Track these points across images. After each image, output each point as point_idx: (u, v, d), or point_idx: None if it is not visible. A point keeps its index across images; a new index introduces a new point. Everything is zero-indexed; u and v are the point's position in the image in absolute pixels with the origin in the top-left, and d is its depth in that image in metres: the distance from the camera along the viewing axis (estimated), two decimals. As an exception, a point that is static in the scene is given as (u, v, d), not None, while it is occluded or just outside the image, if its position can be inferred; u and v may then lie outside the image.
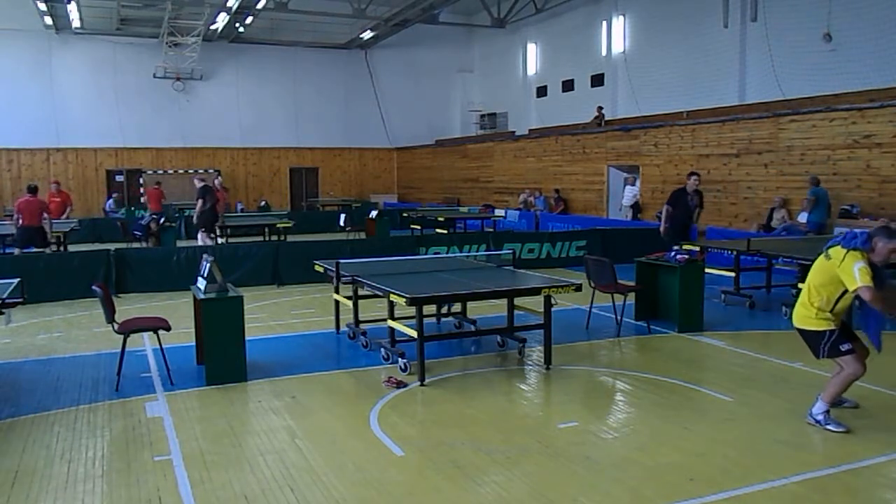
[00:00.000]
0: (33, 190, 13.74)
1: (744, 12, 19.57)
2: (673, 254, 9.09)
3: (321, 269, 8.65)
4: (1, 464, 5.03)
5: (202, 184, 16.27)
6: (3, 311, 6.66)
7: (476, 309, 9.15)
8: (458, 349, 8.22)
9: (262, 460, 5.03)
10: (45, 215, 13.53)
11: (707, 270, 9.39)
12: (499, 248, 13.36)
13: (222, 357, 6.79)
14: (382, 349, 7.62)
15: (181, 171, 29.86)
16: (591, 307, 9.25)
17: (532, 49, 29.84)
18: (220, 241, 16.42)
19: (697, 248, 10.25)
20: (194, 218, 16.38)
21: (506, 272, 8.60)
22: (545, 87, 29.01)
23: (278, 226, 17.94)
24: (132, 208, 25.95)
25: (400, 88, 33.46)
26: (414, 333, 6.87)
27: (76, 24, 26.65)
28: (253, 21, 27.55)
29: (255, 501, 4.42)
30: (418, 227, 19.77)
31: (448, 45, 33.46)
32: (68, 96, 28.49)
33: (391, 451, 5.18)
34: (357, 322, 8.44)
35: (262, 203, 29.36)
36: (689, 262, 8.88)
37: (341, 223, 21.09)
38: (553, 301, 7.34)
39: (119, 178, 29.75)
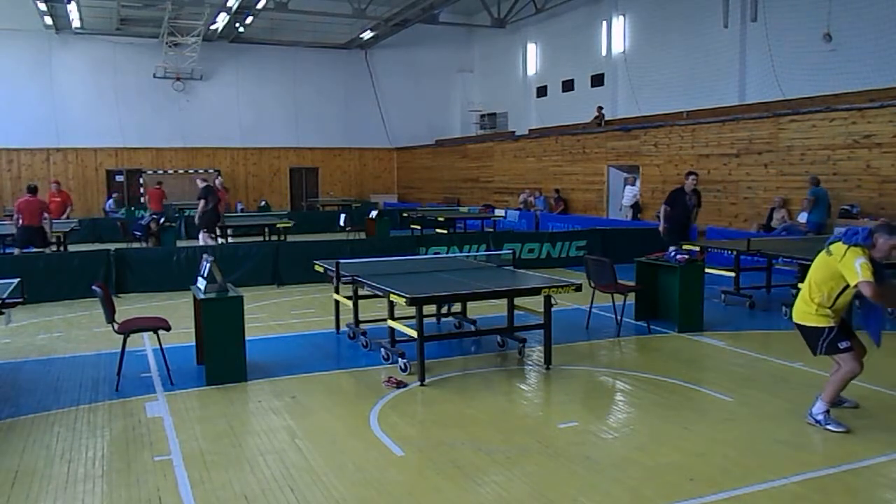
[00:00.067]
0: (33, 190, 13.75)
1: (744, 12, 19.55)
2: (673, 254, 9.09)
3: (321, 269, 8.66)
4: (1, 464, 5.03)
5: (204, 184, 16.23)
6: (3, 311, 6.66)
7: (476, 309, 9.15)
8: (458, 349, 8.22)
9: (262, 460, 5.03)
10: (46, 215, 13.53)
11: (707, 270, 9.39)
12: (499, 248, 13.36)
13: (222, 357, 6.80)
14: (382, 349, 7.62)
15: (181, 171, 29.88)
16: (591, 307, 9.25)
17: (532, 49, 29.82)
18: (220, 241, 16.41)
19: (697, 248, 10.27)
20: (196, 218, 16.37)
21: (506, 272, 8.60)
22: (545, 87, 28.99)
23: (278, 226, 17.94)
24: (132, 208, 25.96)
25: (400, 88, 33.46)
26: (414, 333, 6.88)
27: (76, 24, 26.65)
28: (253, 21, 27.55)
29: (255, 501, 4.43)
30: (418, 227, 19.77)
31: (448, 45, 33.45)
32: (68, 96, 28.49)
33: (391, 451, 5.18)
34: (357, 322, 8.44)
35: (262, 203, 29.34)
36: (689, 262, 8.88)
37: (341, 223, 21.09)
38: (553, 301, 7.35)
39: (119, 178, 29.76)
